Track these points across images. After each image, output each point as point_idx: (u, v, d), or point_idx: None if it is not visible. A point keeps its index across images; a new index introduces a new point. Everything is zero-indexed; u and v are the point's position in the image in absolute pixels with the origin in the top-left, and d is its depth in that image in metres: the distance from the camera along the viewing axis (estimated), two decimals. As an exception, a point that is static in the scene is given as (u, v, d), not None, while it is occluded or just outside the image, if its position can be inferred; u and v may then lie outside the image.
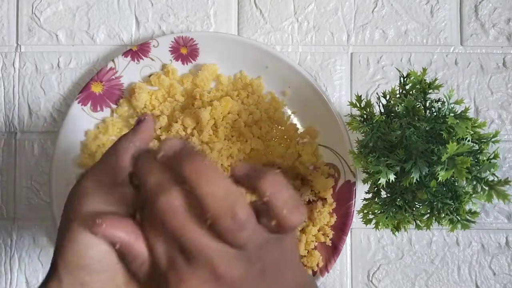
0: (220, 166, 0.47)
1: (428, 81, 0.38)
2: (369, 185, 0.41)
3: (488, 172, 0.36)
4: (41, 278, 0.50)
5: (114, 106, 0.49)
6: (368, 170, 0.38)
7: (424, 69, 0.39)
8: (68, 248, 0.26)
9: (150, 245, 0.25)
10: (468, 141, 0.37)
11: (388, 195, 0.39)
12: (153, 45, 0.48)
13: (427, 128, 0.37)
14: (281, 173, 0.25)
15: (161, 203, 0.23)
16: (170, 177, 0.24)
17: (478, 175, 0.36)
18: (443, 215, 0.37)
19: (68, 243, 0.26)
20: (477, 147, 0.37)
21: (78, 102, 0.47)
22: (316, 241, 0.47)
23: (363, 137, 0.39)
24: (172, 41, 0.48)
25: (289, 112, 0.49)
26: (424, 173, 0.35)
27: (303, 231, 0.47)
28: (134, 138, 0.31)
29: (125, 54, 0.48)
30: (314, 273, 0.47)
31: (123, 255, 0.26)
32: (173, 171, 0.24)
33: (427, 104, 0.38)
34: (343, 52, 0.51)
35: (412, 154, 0.35)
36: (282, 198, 0.24)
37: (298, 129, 0.49)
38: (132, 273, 0.26)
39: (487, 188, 0.36)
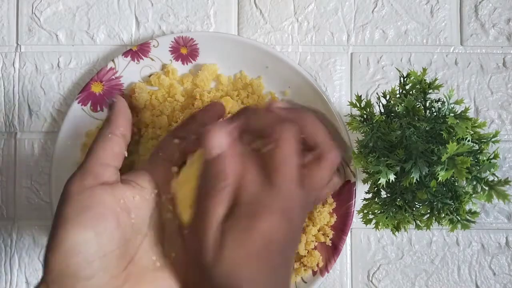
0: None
1: (428, 81, 0.38)
2: (369, 185, 0.41)
3: (488, 172, 0.36)
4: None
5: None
6: (368, 170, 0.38)
7: (424, 69, 0.39)
8: (54, 254, 0.26)
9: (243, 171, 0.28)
10: (468, 141, 0.37)
11: (388, 195, 0.39)
12: (153, 45, 0.48)
13: (427, 128, 0.37)
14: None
15: (286, 129, 0.28)
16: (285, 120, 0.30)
17: (478, 175, 0.36)
18: (443, 215, 0.37)
19: (53, 249, 0.26)
20: (477, 147, 0.37)
21: (78, 102, 0.47)
22: (316, 241, 0.47)
23: (363, 137, 0.39)
24: (172, 41, 0.48)
25: (289, 112, 0.49)
26: (424, 173, 0.35)
27: (303, 231, 0.47)
28: (112, 127, 0.32)
29: (125, 54, 0.48)
30: (314, 273, 0.47)
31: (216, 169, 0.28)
32: (286, 117, 0.31)
33: (427, 104, 0.38)
34: (343, 52, 0.51)
35: (412, 154, 0.35)
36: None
37: (298, 129, 0.49)
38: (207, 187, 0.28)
39: (487, 188, 0.36)
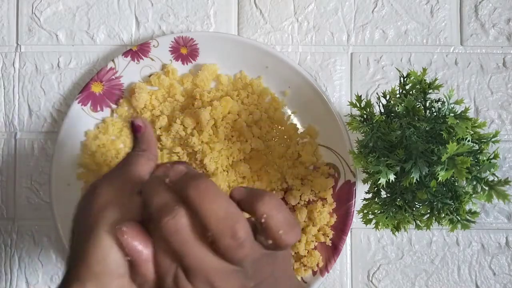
0: (220, 167, 0.47)
1: (428, 81, 0.38)
2: (369, 185, 0.41)
3: (488, 172, 0.36)
4: (41, 278, 0.50)
5: (114, 106, 0.49)
6: (368, 170, 0.38)
7: (424, 69, 0.39)
8: (92, 253, 0.26)
9: (156, 263, 0.26)
10: (468, 141, 0.37)
11: (388, 195, 0.39)
12: (153, 45, 0.48)
13: (427, 128, 0.37)
14: (275, 194, 0.27)
15: (165, 223, 0.25)
16: (175, 198, 0.26)
17: (478, 175, 0.36)
18: (443, 215, 0.37)
19: (92, 248, 0.27)
20: (477, 147, 0.37)
21: (78, 102, 0.47)
22: (316, 241, 0.47)
23: (363, 137, 0.39)
24: (172, 41, 0.48)
25: (289, 112, 0.49)
26: (424, 173, 0.35)
27: (303, 231, 0.47)
28: (147, 153, 0.33)
29: (125, 54, 0.48)
30: (314, 273, 0.47)
31: (133, 268, 0.27)
32: (178, 193, 0.26)
33: (427, 104, 0.38)
34: (343, 52, 0.51)
35: (412, 154, 0.35)
36: (278, 219, 0.26)
37: (298, 129, 0.49)
38: (137, 286, 0.27)
39: (487, 188, 0.36)
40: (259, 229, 0.26)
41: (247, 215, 0.26)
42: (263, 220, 0.26)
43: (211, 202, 0.25)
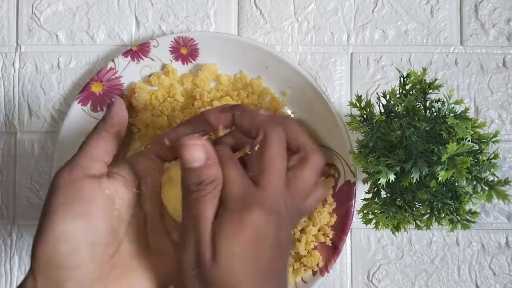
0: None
1: (428, 81, 0.38)
2: (369, 185, 0.41)
3: (488, 172, 0.36)
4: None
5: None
6: (368, 170, 0.38)
7: (424, 69, 0.39)
8: (40, 247, 0.27)
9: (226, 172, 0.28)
10: (468, 141, 0.37)
11: (388, 195, 0.39)
12: (153, 45, 0.48)
13: (427, 128, 0.37)
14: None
15: (275, 131, 0.29)
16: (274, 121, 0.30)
17: (478, 175, 0.36)
18: (443, 215, 0.37)
19: (39, 241, 0.27)
20: (477, 147, 0.37)
21: (78, 102, 0.47)
22: (316, 241, 0.47)
23: (363, 137, 0.39)
24: (172, 41, 0.48)
25: (289, 112, 0.49)
26: (424, 173, 0.35)
27: (303, 231, 0.47)
28: (107, 126, 0.33)
29: (125, 54, 0.48)
30: (314, 273, 0.47)
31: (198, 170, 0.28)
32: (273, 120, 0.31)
33: (427, 104, 0.38)
34: (343, 52, 0.51)
35: (412, 154, 0.35)
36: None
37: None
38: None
39: (487, 188, 0.36)
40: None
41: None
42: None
43: (301, 132, 0.32)
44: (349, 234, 0.48)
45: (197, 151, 0.28)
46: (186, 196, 0.28)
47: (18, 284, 0.29)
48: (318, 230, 0.47)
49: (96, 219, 0.28)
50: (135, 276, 0.30)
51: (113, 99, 0.35)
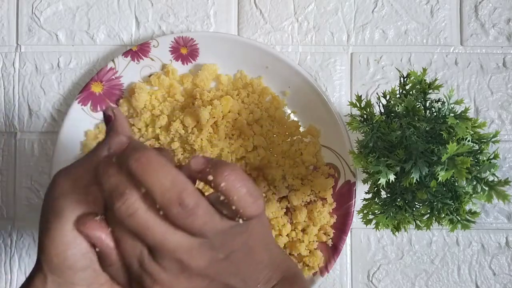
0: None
1: (428, 81, 0.38)
2: (369, 185, 0.41)
3: (488, 172, 0.36)
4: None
5: (114, 106, 0.49)
6: (368, 170, 0.38)
7: (424, 69, 0.39)
8: (51, 246, 0.26)
9: (120, 249, 0.26)
10: (468, 141, 0.37)
11: (388, 195, 0.39)
12: (153, 45, 0.48)
13: (427, 128, 0.37)
14: (239, 167, 0.26)
15: (117, 208, 0.24)
16: (126, 178, 0.24)
17: (478, 175, 0.36)
18: (443, 215, 0.37)
19: (50, 241, 0.26)
20: (477, 147, 0.37)
21: (78, 102, 0.47)
22: (317, 241, 0.47)
23: (363, 137, 0.39)
24: (172, 41, 0.48)
25: (289, 112, 0.49)
26: (424, 173, 0.35)
27: (304, 231, 0.47)
28: (111, 141, 0.31)
29: (125, 54, 0.48)
30: (314, 273, 0.47)
31: (102, 258, 0.26)
32: (124, 170, 0.24)
33: (427, 104, 0.38)
34: (343, 52, 0.51)
35: (412, 154, 0.35)
36: (239, 191, 0.25)
37: (300, 126, 0.49)
38: (111, 277, 0.27)
39: (487, 189, 0.35)
40: (218, 201, 0.25)
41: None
42: (221, 190, 0.24)
43: (155, 173, 0.23)
44: (349, 234, 0.48)
45: (93, 233, 0.26)
46: None
47: (23, 281, 0.28)
48: (319, 230, 0.47)
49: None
50: None
51: (111, 110, 0.31)
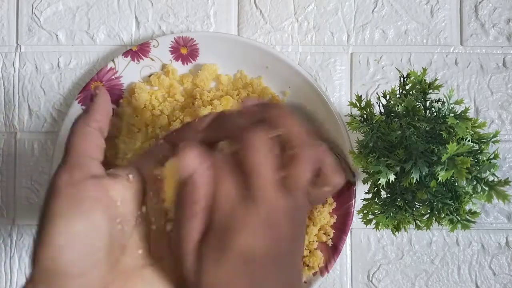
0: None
1: (428, 81, 0.38)
2: (369, 185, 0.41)
3: (488, 172, 0.36)
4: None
5: (114, 106, 0.49)
6: (368, 170, 0.38)
7: (424, 69, 0.39)
8: (44, 253, 0.25)
9: (216, 185, 0.26)
10: (468, 141, 0.37)
11: (388, 195, 0.39)
12: (153, 45, 0.48)
13: (427, 128, 0.37)
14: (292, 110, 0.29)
15: (252, 135, 0.26)
16: (257, 121, 0.27)
17: (478, 175, 0.36)
18: (443, 215, 0.37)
19: (42, 248, 0.25)
20: (477, 147, 0.37)
21: (78, 102, 0.47)
22: (317, 241, 0.47)
23: (363, 137, 0.39)
24: (172, 41, 0.48)
25: (289, 112, 0.49)
26: (424, 173, 0.35)
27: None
28: (90, 118, 0.31)
29: (125, 54, 0.48)
30: (314, 273, 0.47)
31: (189, 186, 0.26)
32: (257, 117, 0.27)
33: (427, 104, 0.38)
34: (343, 52, 0.51)
35: (412, 154, 0.35)
36: (330, 162, 0.28)
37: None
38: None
39: (487, 189, 0.36)
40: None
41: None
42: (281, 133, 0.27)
43: (292, 121, 0.26)
44: (349, 234, 0.48)
45: (192, 158, 0.26)
46: (176, 210, 0.27)
47: None
48: (319, 230, 0.47)
49: (98, 224, 0.27)
50: (139, 286, 0.29)
51: (97, 91, 0.32)
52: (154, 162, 0.31)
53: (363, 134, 0.39)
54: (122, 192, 0.29)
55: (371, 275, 0.50)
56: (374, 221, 0.39)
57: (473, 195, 0.36)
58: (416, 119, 0.37)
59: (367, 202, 0.40)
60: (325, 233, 0.47)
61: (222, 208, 0.26)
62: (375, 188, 0.41)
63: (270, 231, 0.26)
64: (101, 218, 0.27)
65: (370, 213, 0.39)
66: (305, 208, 0.28)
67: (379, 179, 0.36)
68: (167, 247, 0.29)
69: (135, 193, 0.30)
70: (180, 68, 0.49)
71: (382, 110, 0.40)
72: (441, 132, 0.36)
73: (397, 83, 0.40)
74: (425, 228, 0.38)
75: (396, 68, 0.50)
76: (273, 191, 0.26)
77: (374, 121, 0.38)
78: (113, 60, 0.48)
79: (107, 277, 0.27)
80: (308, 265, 0.47)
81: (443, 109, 0.38)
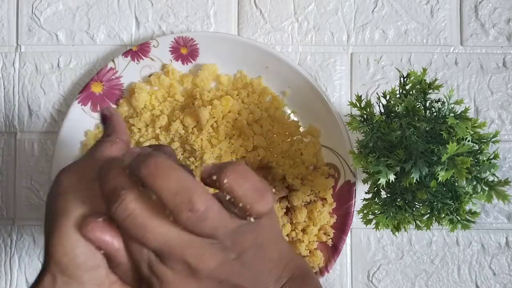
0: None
1: (428, 81, 0.38)
2: (369, 185, 0.41)
3: (488, 173, 0.36)
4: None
5: (114, 106, 0.49)
6: (368, 170, 0.38)
7: (424, 69, 0.39)
8: (58, 246, 0.26)
9: (128, 251, 0.25)
10: (468, 141, 0.37)
11: (388, 195, 0.39)
12: (153, 45, 0.48)
13: (427, 128, 0.37)
14: (244, 163, 0.26)
15: (114, 211, 0.24)
16: (125, 181, 0.24)
17: (478, 175, 0.36)
18: (443, 215, 0.37)
19: (57, 240, 0.26)
20: (477, 147, 0.37)
21: (78, 102, 0.47)
22: (317, 241, 0.47)
23: (363, 137, 0.39)
24: (172, 41, 0.48)
25: (289, 112, 0.49)
26: (424, 173, 0.35)
27: (304, 231, 0.47)
28: (116, 135, 0.31)
29: (125, 54, 0.48)
30: (314, 273, 0.47)
31: (108, 259, 0.26)
32: (131, 175, 0.24)
33: (427, 104, 0.38)
34: (343, 52, 0.51)
35: (412, 154, 0.35)
36: (244, 188, 0.24)
37: (300, 126, 0.49)
38: (120, 277, 0.27)
39: (487, 189, 0.36)
40: (226, 201, 0.24)
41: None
42: (225, 187, 0.24)
43: (164, 178, 0.23)
44: (349, 234, 0.48)
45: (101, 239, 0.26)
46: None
47: (32, 283, 0.28)
48: (319, 230, 0.47)
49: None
50: None
51: (109, 111, 0.32)
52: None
53: (363, 134, 0.39)
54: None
55: (371, 275, 0.50)
56: (374, 221, 0.39)
57: (473, 195, 0.36)
58: (416, 119, 0.37)
59: (367, 202, 0.40)
60: (325, 233, 0.47)
61: (141, 266, 0.25)
62: (375, 188, 0.41)
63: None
64: None
65: (370, 213, 0.39)
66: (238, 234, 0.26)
67: (379, 179, 0.36)
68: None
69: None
70: (180, 68, 0.49)
71: (382, 110, 0.40)
72: (441, 132, 0.36)
73: (397, 83, 0.40)
74: (425, 228, 0.38)
75: (396, 68, 0.50)
76: (177, 237, 0.24)
77: (374, 121, 0.38)
78: (113, 60, 0.48)
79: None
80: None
81: (443, 109, 0.38)
